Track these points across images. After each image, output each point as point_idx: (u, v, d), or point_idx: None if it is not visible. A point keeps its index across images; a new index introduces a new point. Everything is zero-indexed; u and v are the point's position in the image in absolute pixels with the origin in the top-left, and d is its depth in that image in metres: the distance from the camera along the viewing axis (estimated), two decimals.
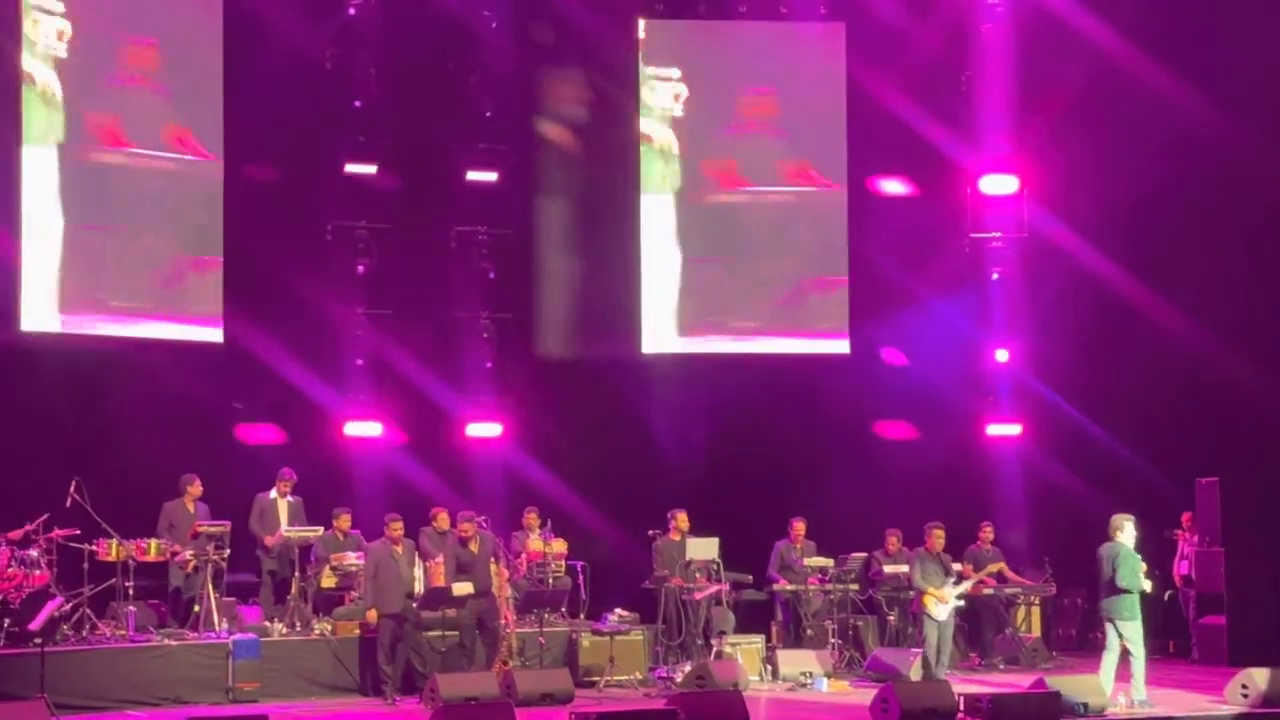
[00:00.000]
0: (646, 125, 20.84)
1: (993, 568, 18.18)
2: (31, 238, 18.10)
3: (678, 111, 20.91)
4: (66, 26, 18.26)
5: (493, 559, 16.29)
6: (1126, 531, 15.00)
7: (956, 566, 17.50)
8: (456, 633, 16.19)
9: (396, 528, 16.10)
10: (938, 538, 17.10)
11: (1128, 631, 14.85)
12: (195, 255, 19.08)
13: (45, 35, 18.16)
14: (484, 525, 16.93)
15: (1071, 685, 14.63)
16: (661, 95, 20.88)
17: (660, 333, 20.83)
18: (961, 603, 17.17)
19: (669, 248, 20.91)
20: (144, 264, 18.85)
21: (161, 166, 18.92)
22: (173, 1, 19.13)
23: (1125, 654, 14.90)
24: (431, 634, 16.11)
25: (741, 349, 20.84)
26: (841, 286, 20.93)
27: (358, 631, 16.17)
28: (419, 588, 16.41)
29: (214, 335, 19.03)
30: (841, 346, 20.92)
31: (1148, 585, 15.12)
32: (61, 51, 18.26)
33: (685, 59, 20.99)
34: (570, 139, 20.33)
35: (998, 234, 20.94)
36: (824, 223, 21.04)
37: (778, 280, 21.01)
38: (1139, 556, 14.96)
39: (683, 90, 20.90)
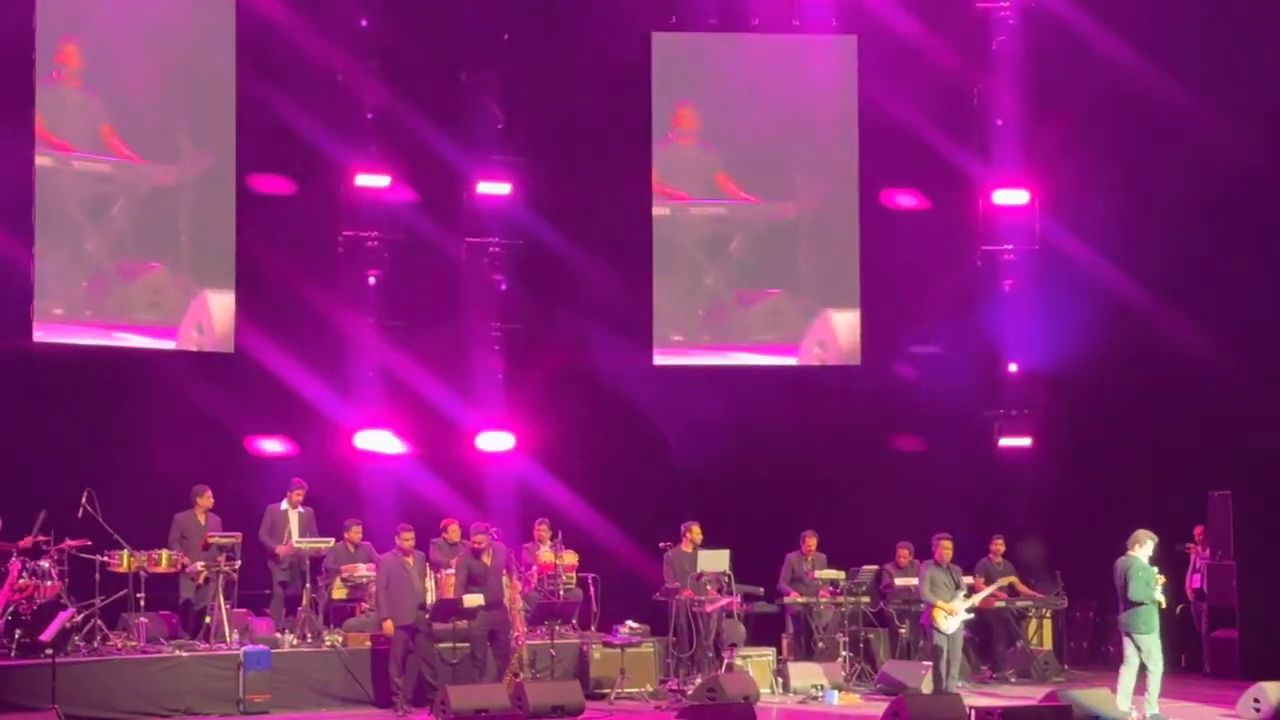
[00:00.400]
0: (659, 136, 20.85)
1: (1003, 581, 18.16)
2: (45, 250, 18.12)
3: (691, 125, 20.93)
4: (78, 48, 18.40)
5: (505, 571, 16.28)
6: (1145, 547, 14.99)
7: (967, 579, 17.46)
8: (467, 645, 16.18)
9: (408, 538, 16.09)
10: (946, 549, 17.04)
11: (1144, 645, 14.83)
12: (206, 267, 19.13)
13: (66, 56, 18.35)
14: (495, 537, 16.93)
15: (1083, 698, 14.59)
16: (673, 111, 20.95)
17: (672, 344, 20.81)
18: (971, 616, 17.12)
19: (681, 260, 20.89)
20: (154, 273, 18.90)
21: (166, 181, 18.99)
22: (185, 14, 19.14)
23: (1143, 668, 14.86)
24: (442, 645, 16.10)
25: (752, 361, 20.82)
26: (853, 299, 20.92)
27: (368, 643, 16.16)
28: (430, 599, 16.40)
29: (226, 346, 19.06)
30: (853, 359, 20.90)
31: (1160, 597, 15.09)
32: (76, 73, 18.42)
33: (697, 71, 20.99)
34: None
35: (1009, 246, 20.91)
36: (835, 236, 21.02)
37: (788, 293, 20.99)
38: (1153, 570, 14.94)
39: (694, 108, 20.93)
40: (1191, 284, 19.77)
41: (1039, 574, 19.30)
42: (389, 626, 15.72)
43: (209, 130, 19.18)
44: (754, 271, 21.04)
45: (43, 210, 18.20)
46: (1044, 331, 20.75)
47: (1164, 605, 15.27)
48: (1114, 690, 14.89)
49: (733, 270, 21.05)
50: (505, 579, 16.22)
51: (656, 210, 20.91)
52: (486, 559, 16.10)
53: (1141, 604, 14.83)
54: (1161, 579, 15.03)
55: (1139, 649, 14.85)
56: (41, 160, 18.24)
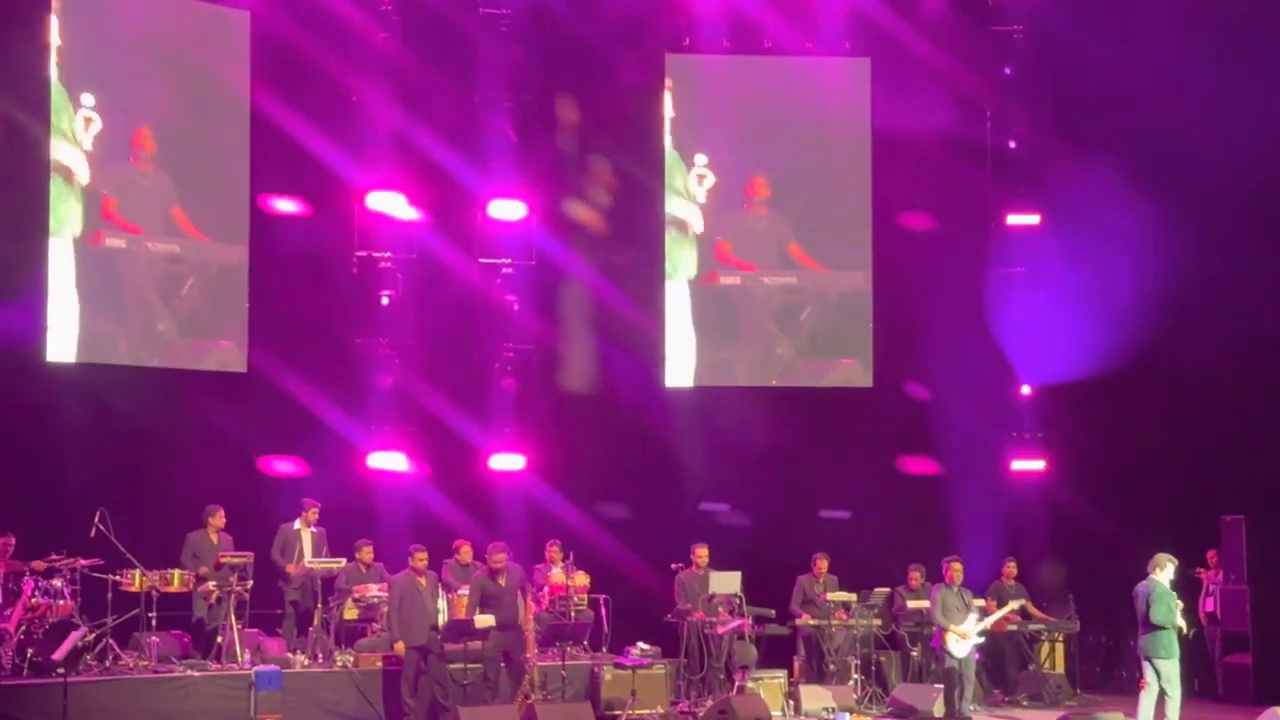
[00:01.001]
0: (672, 158, 20.93)
1: (1014, 604, 18.10)
2: (57, 268, 18.21)
3: (705, 145, 20.99)
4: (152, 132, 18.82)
5: (520, 592, 16.27)
6: (1166, 571, 14.93)
7: (978, 602, 17.43)
8: (479, 665, 16.18)
9: (421, 558, 16.09)
10: (956, 572, 17.01)
11: (1165, 670, 14.76)
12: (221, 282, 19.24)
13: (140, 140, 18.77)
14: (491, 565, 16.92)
15: None
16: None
17: (683, 366, 20.81)
18: (982, 639, 17.08)
19: (694, 275, 20.94)
20: (170, 293, 18.97)
21: (233, 260, 19.27)
22: (200, 33, 19.20)
23: (1163, 693, 14.82)
24: (454, 666, 16.09)
25: (764, 382, 20.81)
26: (865, 319, 20.93)
27: (379, 663, 16.16)
28: (442, 620, 16.39)
29: (239, 365, 19.11)
30: (865, 380, 20.89)
31: (1182, 622, 15.05)
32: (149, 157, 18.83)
33: (709, 92, 21.04)
34: (597, 219, 20.39)
35: (1021, 268, 20.90)
36: (848, 252, 21.05)
37: (800, 314, 21.00)
38: (1174, 595, 14.90)
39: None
40: (1206, 307, 19.73)
41: (1059, 598, 19.25)
42: (400, 647, 15.71)
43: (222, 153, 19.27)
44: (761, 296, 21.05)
45: (113, 290, 18.52)
46: (1057, 354, 20.72)
47: (1186, 631, 15.22)
48: (1128, 715, 14.85)
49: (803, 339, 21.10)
50: (520, 600, 16.20)
51: (726, 280, 20.92)
52: (502, 580, 16.09)
53: (1163, 628, 14.78)
54: (1180, 605, 14.98)
55: (1159, 674, 14.78)
56: (113, 242, 18.57)
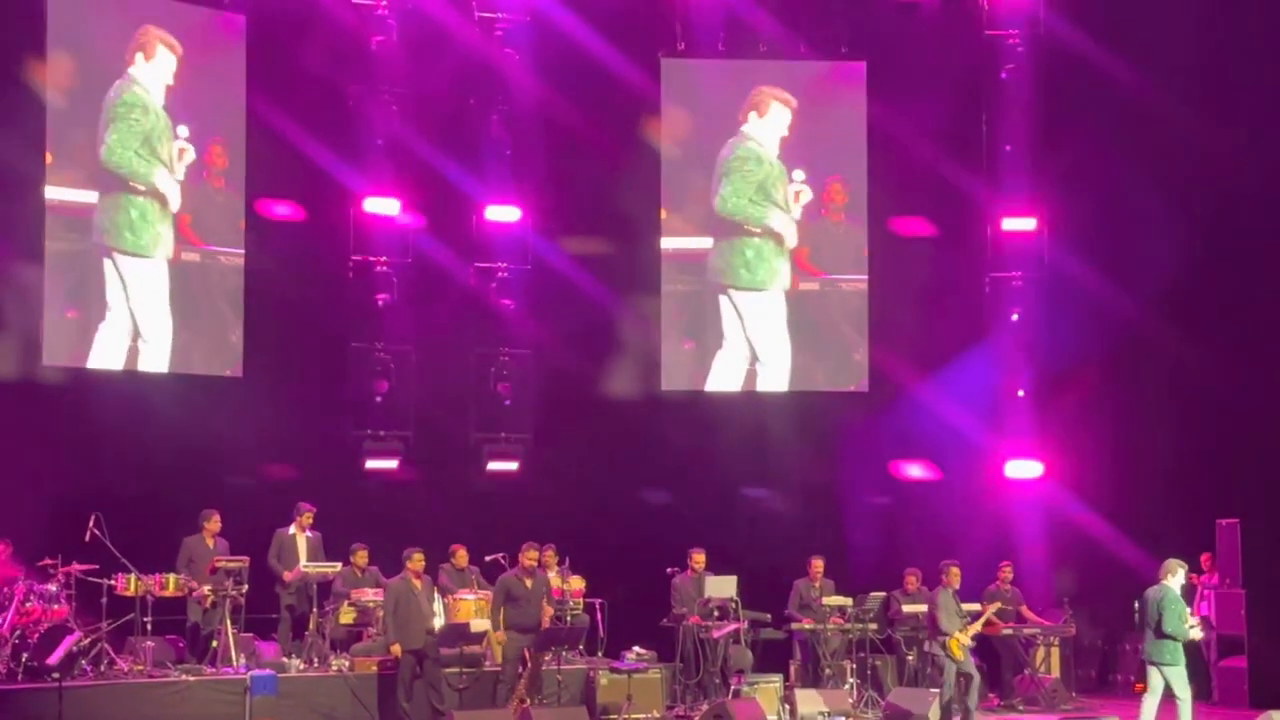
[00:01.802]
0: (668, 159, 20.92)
1: (994, 606, 17.97)
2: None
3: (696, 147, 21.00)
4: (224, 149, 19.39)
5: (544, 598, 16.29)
6: (1177, 577, 14.94)
7: (970, 607, 17.46)
8: (475, 670, 16.18)
9: (419, 561, 16.07)
10: (955, 576, 17.03)
11: (1172, 676, 14.77)
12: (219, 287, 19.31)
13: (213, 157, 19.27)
14: (503, 562, 16.94)
15: None
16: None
17: (679, 370, 20.81)
18: (974, 643, 17.08)
19: (690, 282, 20.92)
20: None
21: None
22: (196, 34, 19.21)
23: (1171, 697, 14.85)
24: (449, 671, 16.08)
25: (761, 387, 20.82)
26: (861, 324, 20.92)
27: (375, 668, 16.14)
28: (438, 624, 16.38)
29: (234, 370, 19.13)
30: (861, 385, 20.90)
31: (1195, 634, 15.08)
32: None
33: (704, 97, 21.03)
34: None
35: (1018, 274, 20.90)
36: (842, 261, 21.04)
37: (798, 321, 21.01)
38: (1185, 605, 14.91)
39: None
40: (1200, 311, 19.78)
41: (1076, 602, 19.27)
42: (397, 649, 15.70)
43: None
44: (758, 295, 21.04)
45: (188, 303, 19.00)
46: (1052, 357, 20.73)
47: (1198, 640, 15.25)
48: (1124, 719, 14.85)
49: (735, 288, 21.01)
50: (544, 605, 16.18)
51: (805, 285, 20.99)
52: (529, 581, 16.08)
53: (1173, 637, 14.77)
54: (1193, 617, 15.03)
55: (1166, 680, 14.79)
56: (189, 256, 19.04)
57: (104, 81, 18.69)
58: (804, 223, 21.04)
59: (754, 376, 20.85)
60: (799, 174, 20.97)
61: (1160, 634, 14.73)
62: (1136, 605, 15.30)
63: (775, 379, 20.88)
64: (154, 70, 18.89)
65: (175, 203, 18.97)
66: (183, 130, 19.04)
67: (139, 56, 18.81)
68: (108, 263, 18.68)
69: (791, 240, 21.01)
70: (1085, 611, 19.47)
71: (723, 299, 20.96)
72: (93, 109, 18.60)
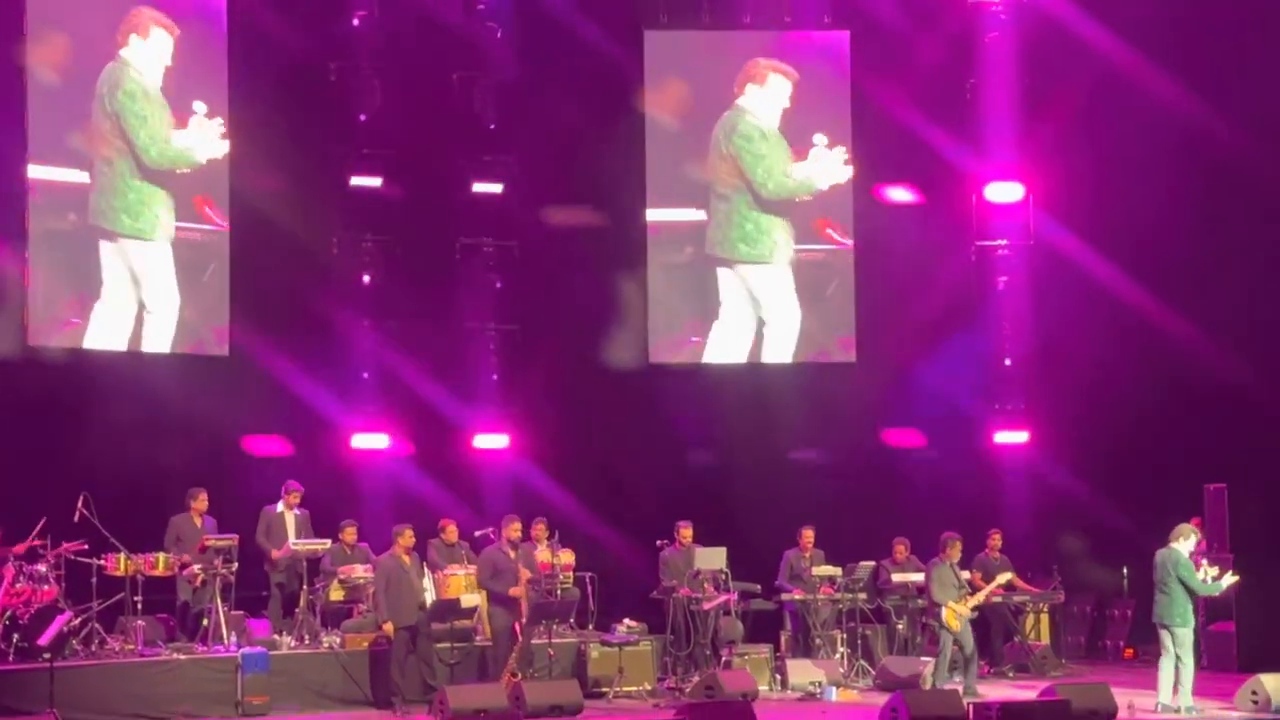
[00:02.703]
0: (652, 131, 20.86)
1: (1001, 578, 18.04)
2: (39, 253, 18.18)
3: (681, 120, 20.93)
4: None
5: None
6: (1189, 541, 15.06)
7: (965, 575, 17.49)
8: (465, 645, 16.20)
9: (409, 537, 16.05)
10: (956, 549, 17.01)
11: (1180, 636, 14.92)
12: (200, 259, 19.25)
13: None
14: (492, 537, 16.92)
15: (1081, 693, 14.60)
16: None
17: (669, 342, 20.79)
18: (974, 614, 17.12)
19: (682, 254, 20.89)
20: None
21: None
22: (177, 13, 19.13)
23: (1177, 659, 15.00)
24: (440, 646, 16.09)
25: (748, 358, 20.81)
26: (848, 295, 20.91)
27: (366, 644, 16.16)
28: (428, 599, 16.39)
29: (220, 348, 19.08)
30: (849, 355, 20.89)
31: (1227, 580, 15.26)
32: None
33: (689, 68, 20.97)
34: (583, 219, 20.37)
35: (1004, 241, 20.91)
36: (833, 229, 21.03)
37: (784, 289, 20.99)
38: (1192, 565, 15.02)
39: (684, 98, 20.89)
40: (1185, 277, 19.82)
41: (1081, 568, 19.32)
42: (389, 628, 15.70)
43: None
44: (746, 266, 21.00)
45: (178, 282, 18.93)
46: (1038, 325, 20.76)
47: (1227, 585, 15.43)
48: (1114, 684, 14.94)
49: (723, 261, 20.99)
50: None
51: (650, 211, 20.82)
52: (514, 553, 16.08)
53: (1193, 596, 14.95)
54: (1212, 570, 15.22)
55: (1175, 640, 14.90)
56: (185, 235, 19.08)
57: (94, 62, 18.56)
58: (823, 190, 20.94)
59: (748, 348, 20.80)
60: (820, 138, 20.85)
61: (1167, 595, 14.91)
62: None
63: (773, 350, 20.86)
64: (149, 51, 18.75)
65: (171, 181, 18.91)
66: (199, 106, 18.97)
67: (133, 38, 18.68)
68: (105, 244, 18.61)
69: (790, 212, 20.92)
70: (1074, 578, 19.51)
71: (722, 271, 20.90)
72: (83, 90, 18.46)
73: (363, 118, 19.57)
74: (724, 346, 20.84)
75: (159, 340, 18.91)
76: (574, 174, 20.42)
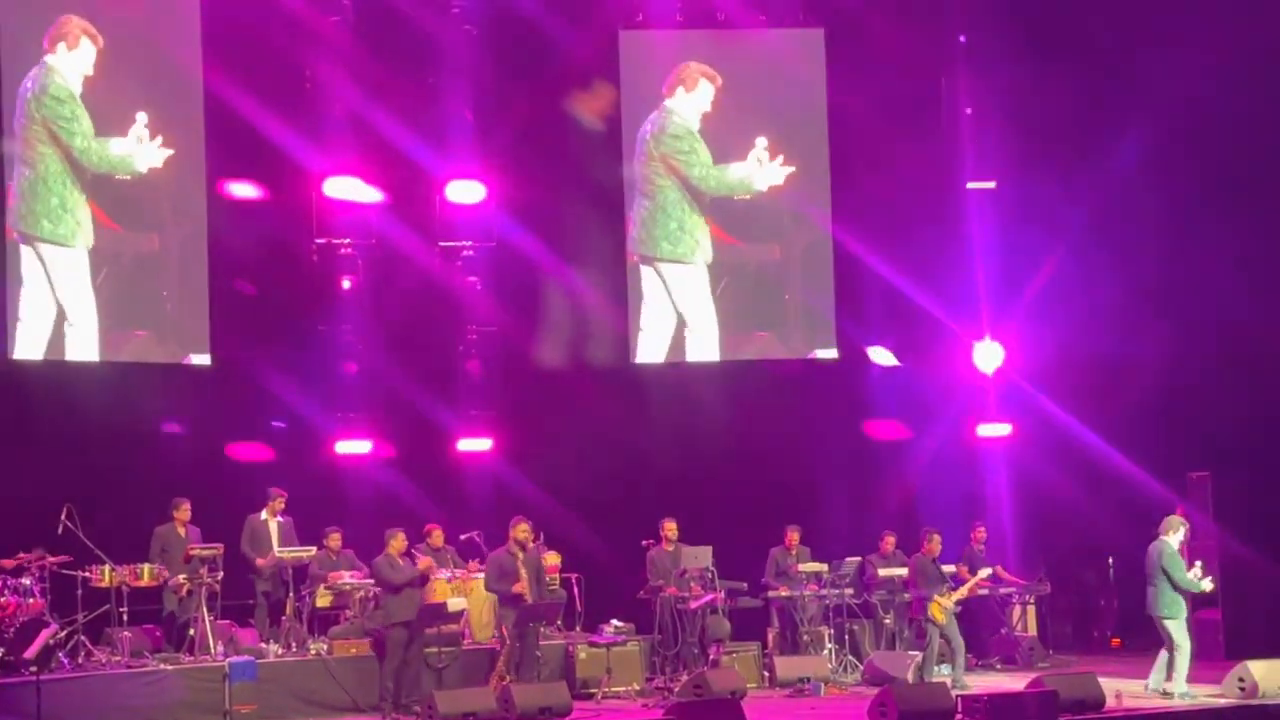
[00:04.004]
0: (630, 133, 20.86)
1: (984, 572, 18.11)
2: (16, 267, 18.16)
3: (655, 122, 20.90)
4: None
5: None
6: (1178, 534, 15.23)
7: (949, 569, 17.54)
8: (454, 649, 16.18)
9: (401, 541, 16.00)
10: (936, 544, 17.12)
11: (1172, 628, 15.09)
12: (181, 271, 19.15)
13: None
14: (478, 540, 16.92)
15: (1069, 683, 14.65)
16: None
17: (652, 343, 20.77)
18: (959, 607, 17.18)
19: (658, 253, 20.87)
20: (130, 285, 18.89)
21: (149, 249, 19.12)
22: (152, 21, 19.05)
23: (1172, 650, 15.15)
24: (429, 650, 16.07)
25: (731, 356, 20.80)
26: (828, 290, 20.91)
27: (354, 650, 16.14)
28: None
29: (200, 356, 19.00)
30: (830, 351, 20.89)
31: (1206, 585, 15.29)
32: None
33: (664, 68, 20.95)
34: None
35: (980, 233, 20.93)
36: (809, 225, 21.01)
37: (767, 285, 20.97)
38: (1180, 558, 15.12)
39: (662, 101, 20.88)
40: (1165, 268, 19.90)
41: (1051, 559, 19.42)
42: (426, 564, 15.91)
43: (178, 138, 19.10)
44: (728, 265, 20.97)
45: (138, 289, 18.81)
46: (1019, 319, 20.80)
47: (1209, 590, 15.58)
48: (1101, 674, 15.03)
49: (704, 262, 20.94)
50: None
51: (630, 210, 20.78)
52: (521, 555, 16.04)
53: (1178, 589, 15.10)
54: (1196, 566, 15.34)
55: (1167, 632, 15.04)
56: (131, 241, 18.95)
57: (16, 68, 18.44)
58: (757, 191, 20.89)
59: (713, 346, 20.81)
60: (761, 140, 20.88)
61: (1173, 587, 15.07)
62: None
63: (744, 348, 20.86)
64: (74, 60, 18.54)
65: (102, 188, 18.68)
66: (141, 117, 18.82)
67: (61, 46, 18.49)
68: (26, 250, 18.40)
69: (720, 213, 20.87)
70: (1060, 569, 19.57)
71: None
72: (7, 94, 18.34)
73: (340, 121, 19.45)
74: (700, 346, 20.79)
75: (111, 350, 18.66)
76: (552, 175, 20.35)
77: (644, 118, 20.86)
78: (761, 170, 20.86)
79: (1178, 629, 15.10)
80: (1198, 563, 15.71)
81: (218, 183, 19.18)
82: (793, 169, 20.82)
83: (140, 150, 18.86)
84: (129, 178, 18.79)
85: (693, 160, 20.84)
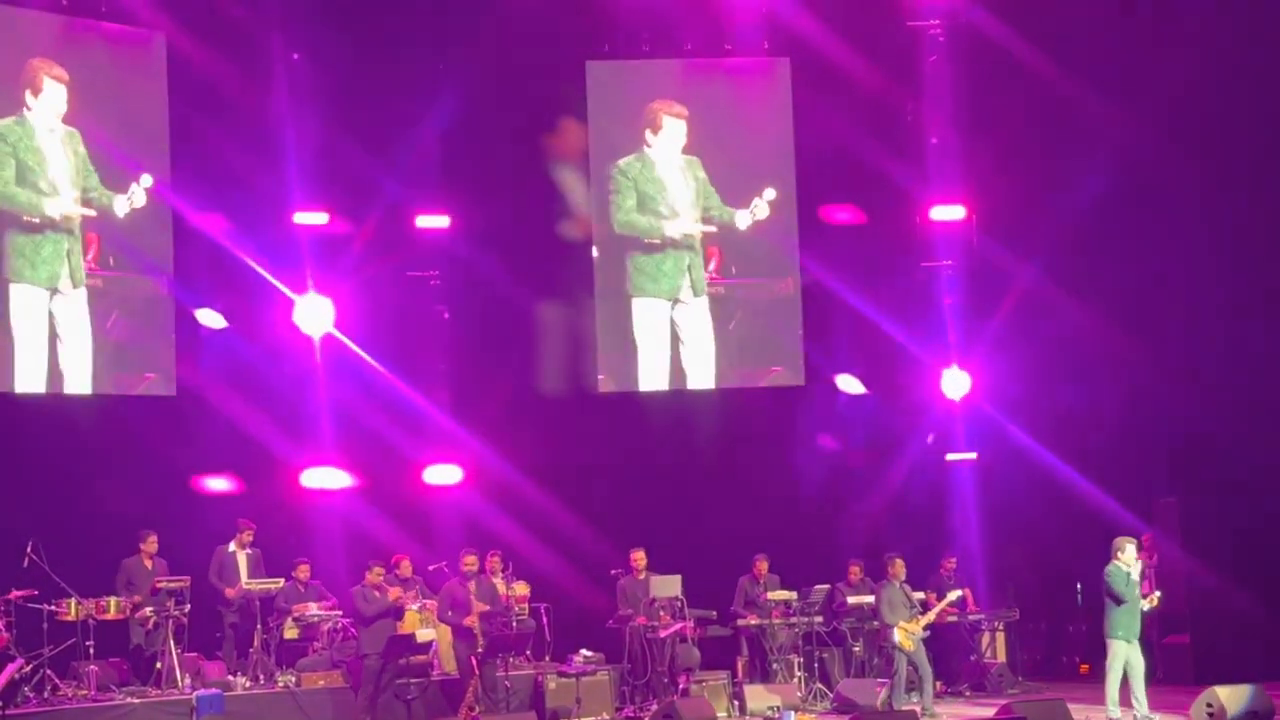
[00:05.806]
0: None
1: (952, 595, 18.13)
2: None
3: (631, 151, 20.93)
4: None
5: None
6: (1127, 552, 15.22)
7: (919, 595, 17.54)
8: (423, 679, 16.14)
9: (378, 574, 16.27)
10: (900, 568, 17.14)
11: (1114, 648, 15.05)
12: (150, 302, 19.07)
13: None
14: (446, 571, 16.87)
15: (1038, 710, 14.66)
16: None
17: (617, 372, 20.76)
18: (927, 633, 17.19)
19: (623, 288, 20.85)
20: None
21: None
22: (117, 59, 19.01)
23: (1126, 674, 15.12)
24: (397, 681, 16.02)
25: (697, 385, 20.79)
26: (795, 318, 20.92)
27: (322, 682, 16.08)
28: None
29: (167, 388, 18.94)
30: (796, 379, 20.91)
31: (1145, 604, 15.29)
32: None
33: (631, 98, 20.99)
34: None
35: (948, 262, 21.03)
36: (775, 255, 21.04)
37: (733, 313, 20.99)
38: (1126, 573, 15.10)
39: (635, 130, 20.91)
40: (1127, 294, 19.98)
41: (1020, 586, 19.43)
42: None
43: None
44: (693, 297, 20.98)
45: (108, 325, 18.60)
46: (984, 344, 20.87)
47: (1151, 606, 15.55)
48: (1070, 700, 15.02)
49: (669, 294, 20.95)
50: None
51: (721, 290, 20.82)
52: (471, 586, 16.08)
53: (1124, 605, 15.05)
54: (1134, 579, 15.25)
55: (1118, 655, 15.03)
56: (103, 281, 18.70)
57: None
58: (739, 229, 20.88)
59: (682, 377, 20.76)
60: (770, 192, 20.74)
61: (1116, 603, 15.07)
62: None
63: (707, 377, 20.83)
64: (45, 103, 18.41)
65: (77, 232, 18.56)
66: (147, 180, 18.75)
67: (26, 94, 18.37)
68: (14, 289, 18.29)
69: (699, 247, 20.82)
70: (1029, 596, 19.61)
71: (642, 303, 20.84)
72: None
73: (306, 152, 19.43)
74: (655, 375, 20.73)
75: (78, 383, 18.57)
76: (519, 204, 20.36)
77: (612, 147, 20.85)
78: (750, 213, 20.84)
79: (1120, 648, 15.08)
80: (1156, 592, 15.82)
81: (186, 213, 19.13)
82: (773, 195, 20.80)
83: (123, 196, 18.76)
84: (37, 220, 18.46)
85: (622, 203, 20.72)
